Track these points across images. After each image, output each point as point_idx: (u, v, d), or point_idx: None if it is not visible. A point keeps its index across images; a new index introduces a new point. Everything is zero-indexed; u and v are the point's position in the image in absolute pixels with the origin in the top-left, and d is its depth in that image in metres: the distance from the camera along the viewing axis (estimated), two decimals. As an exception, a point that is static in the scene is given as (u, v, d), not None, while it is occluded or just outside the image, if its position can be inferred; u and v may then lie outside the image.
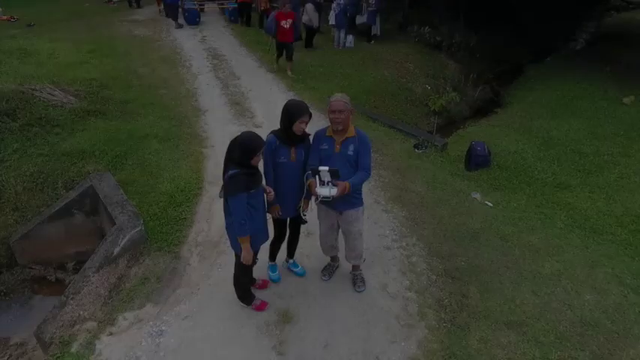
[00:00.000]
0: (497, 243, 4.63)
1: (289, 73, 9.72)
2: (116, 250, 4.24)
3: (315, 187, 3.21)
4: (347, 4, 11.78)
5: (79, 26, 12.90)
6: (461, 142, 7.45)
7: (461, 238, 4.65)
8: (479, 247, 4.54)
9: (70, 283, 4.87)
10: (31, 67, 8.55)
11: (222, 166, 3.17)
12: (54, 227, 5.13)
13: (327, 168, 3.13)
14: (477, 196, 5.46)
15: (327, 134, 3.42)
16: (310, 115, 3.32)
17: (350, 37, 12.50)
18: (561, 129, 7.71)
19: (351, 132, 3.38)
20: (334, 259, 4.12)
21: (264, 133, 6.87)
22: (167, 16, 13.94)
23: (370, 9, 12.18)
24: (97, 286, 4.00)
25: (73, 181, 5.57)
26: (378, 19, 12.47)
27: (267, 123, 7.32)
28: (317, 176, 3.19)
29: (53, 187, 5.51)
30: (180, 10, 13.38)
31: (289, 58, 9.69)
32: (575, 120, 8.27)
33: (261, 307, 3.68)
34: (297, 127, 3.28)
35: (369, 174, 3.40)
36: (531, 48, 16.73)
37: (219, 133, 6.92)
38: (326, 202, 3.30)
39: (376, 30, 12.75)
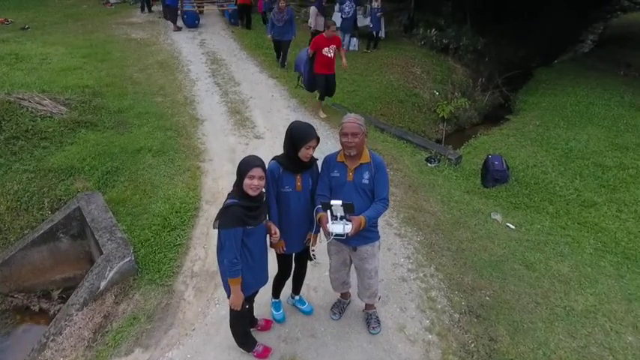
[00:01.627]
0: (524, 273, 4.21)
1: (321, 114, 7.77)
2: (103, 284, 3.83)
3: (327, 222, 2.79)
4: (355, 9, 11.39)
5: (74, 29, 12.50)
6: (474, 153, 7.04)
7: (483, 267, 4.23)
8: (504, 277, 4.11)
9: (54, 315, 4.51)
10: (21, 74, 8.16)
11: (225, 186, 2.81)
12: (38, 252, 4.71)
13: (340, 202, 2.71)
14: (498, 217, 5.04)
15: (338, 160, 3.00)
16: (318, 139, 2.90)
17: (354, 41, 12.10)
18: (580, 139, 7.28)
19: (366, 157, 2.96)
20: (345, 295, 3.69)
21: (265, 145, 6.61)
22: (166, 18, 13.54)
23: (375, 12, 11.74)
24: (80, 327, 3.59)
25: (60, 200, 5.15)
26: (382, 22, 12.03)
27: (268, 134, 6.91)
28: (328, 210, 2.77)
29: (39, 206, 5.09)
30: (179, 12, 12.96)
31: (330, 93, 7.77)
32: (593, 129, 7.85)
33: (264, 353, 3.26)
34: (303, 154, 2.87)
35: (387, 205, 2.98)
36: (539, 50, 16.33)
37: (218, 145, 6.50)
38: (338, 238, 2.88)
39: (381, 33, 12.32)
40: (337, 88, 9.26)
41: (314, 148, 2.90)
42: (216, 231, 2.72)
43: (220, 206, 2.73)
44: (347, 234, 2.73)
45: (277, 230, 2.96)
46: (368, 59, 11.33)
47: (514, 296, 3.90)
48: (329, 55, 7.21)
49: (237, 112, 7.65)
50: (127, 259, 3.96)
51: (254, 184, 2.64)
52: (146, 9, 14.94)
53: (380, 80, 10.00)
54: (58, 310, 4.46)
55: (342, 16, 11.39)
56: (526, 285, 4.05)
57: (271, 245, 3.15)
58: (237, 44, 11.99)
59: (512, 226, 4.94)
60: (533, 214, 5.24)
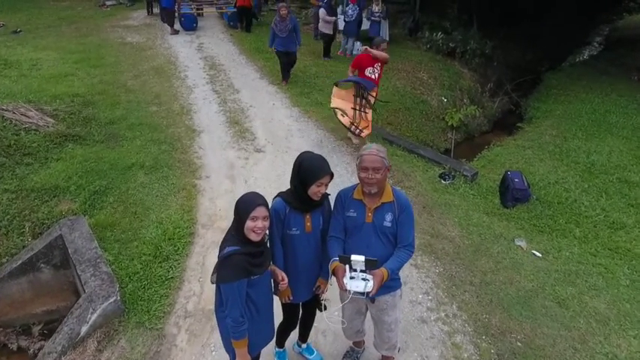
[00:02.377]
0: (557, 311, 3.76)
1: (354, 139, 6.58)
2: (84, 329, 3.38)
3: (343, 276, 2.34)
4: (360, 13, 10.94)
5: (68, 33, 12.07)
6: (490, 167, 6.59)
7: (511, 305, 3.78)
8: (535, 317, 3.67)
9: (34, 354, 4.07)
10: (8, 82, 7.73)
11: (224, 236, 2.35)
12: (17, 284, 4.26)
13: (362, 258, 2.26)
14: (522, 243, 4.60)
15: (354, 197, 2.55)
16: (331, 176, 2.46)
17: (358, 44, 11.65)
18: (602, 152, 6.85)
19: (388, 195, 2.51)
20: (359, 343, 3.25)
21: (266, 160, 6.16)
22: (163, 21, 13.11)
23: (374, 18, 11.29)
24: (57, 381, 3.14)
25: (43, 224, 4.70)
26: (385, 26, 11.56)
27: (270, 147, 6.47)
28: (347, 264, 2.32)
29: (19, 231, 4.64)
30: (176, 14, 12.52)
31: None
32: (613, 139, 7.41)
33: (268, 418, 2.82)
34: (313, 192, 2.43)
35: (413, 252, 2.53)
36: (546, 54, 15.92)
37: (216, 159, 6.06)
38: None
39: (384, 36, 11.86)
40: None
41: (327, 185, 2.46)
42: (213, 261, 2.30)
43: (217, 231, 2.33)
44: (367, 293, 2.29)
45: (285, 276, 2.52)
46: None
47: (548, 341, 3.45)
48: (373, 77, 6.21)
49: (236, 122, 7.21)
50: (112, 299, 3.51)
51: (258, 226, 2.21)
52: (152, 10, 14.49)
53: (386, 86, 9.53)
54: (39, 349, 4.03)
55: (345, 20, 10.97)
56: (560, 326, 3.61)
57: (276, 293, 2.72)
58: (237, 48, 11.57)
59: (539, 254, 4.50)
60: (559, 239, 4.80)
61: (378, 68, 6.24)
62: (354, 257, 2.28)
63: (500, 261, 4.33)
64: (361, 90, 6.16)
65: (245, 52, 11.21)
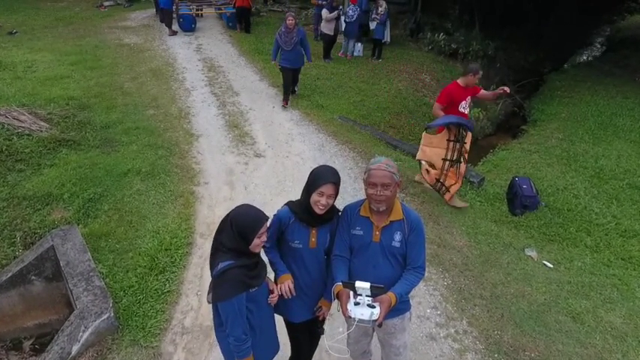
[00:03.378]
0: (571, 326, 3.60)
1: (459, 203, 5.18)
2: (75, 349, 3.21)
3: (347, 302, 2.16)
4: (361, 14, 10.76)
5: (65, 34, 11.89)
6: (496, 173, 6.43)
7: (523, 320, 3.62)
8: (549, 333, 3.50)
9: (24, 371, 3.92)
10: (2, 85, 7.57)
11: (211, 251, 2.18)
12: (7, 297, 4.09)
13: (368, 285, 2.08)
14: (533, 253, 4.43)
15: (361, 213, 2.37)
16: (335, 187, 2.29)
17: (359, 46, 11.51)
18: (610, 156, 6.68)
19: (398, 213, 2.33)
20: (365, 363, 3.08)
21: (267, 165, 5.97)
22: (161, 21, 12.94)
23: (375, 17, 11.11)
24: (45, 405, 2.97)
25: (35, 233, 4.52)
26: (387, 27, 11.37)
27: (270, 151, 6.30)
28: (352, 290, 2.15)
29: (10, 241, 4.47)
30: (174, 15, 12.34)
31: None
32: (621, 143, 7.25)
33: None
34: (313, 201, 2.27)
35: (423, 275, 2.36)
36: (548, 55, 15.78)
37: (215, 165, 5.88)
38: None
39: (386, 37, 11.70)
40: (342, 99, 8.73)
41: (329, 197, 2.27)
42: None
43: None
44: (373, 321, 2.11)
45: (275, 288, 2.36)
46: (374, 65, 10.74)
47: (564, 359, 3.29)
48: (465, 112, 5.05)
49: (235, 126, 7.04)
50: (105, 316, 3.33)
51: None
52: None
53: (388, 89, 9.39)
54: (30, 365, 3.88)
55: (345, 20, 10.79)
56: (575, 343, 3.44)
57: (276, 311, 2.57)
58: (236, 49, 11.39)
59: (550, 265, 4.33)
60: (570, 248, 4.64)
61: (469, 101, 5.07)
62: (358, 284, 2.10)
63: (511, 272, 4.16)
64: (463, 133, 4.90)
65: (244, 54, 11.03)
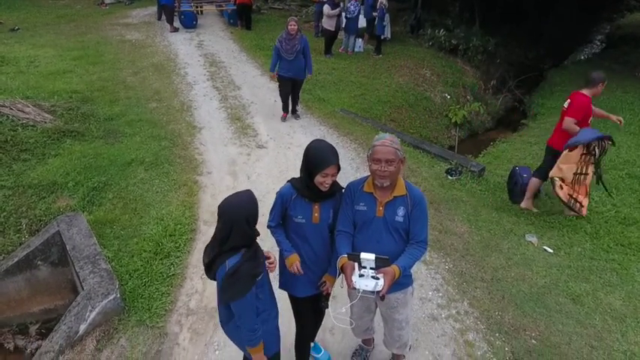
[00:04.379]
0: (571, 308, 3.64)
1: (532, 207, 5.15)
2: (82, 328, 3.25)
3: (352, 274, 2.21)
4: (366, 9, 10.82)
5: (66, 31, 11.94)
6: (496, 164, 6.48)
7: (524, 301, 3.66)
8: (549, 314, 3.55)
9: (31, 354, 3.96)
10: (5, 79, 7.61)
11: (207, 256, 2.15)
12: (13, 282, 4.13)
13: (373, 257, 2.13)
14: (533, 239, 4.47)
15: (365, 190, 2.42)
16: (338, 167, 2.34)
17: (359, 42, 11.57)
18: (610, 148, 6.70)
19: (401, 189, 2.37)
20: (368, 341, 3.13)
21: (269, 156, 6.02)
22: (159, 19, 13.01)
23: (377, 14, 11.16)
24: (54, 382, 3.01)
25: (40, 220, 4.57)
26: (388, 24, 11.41)
27: (272, 143, 6.35)
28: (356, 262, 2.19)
29: (16, 228, 4.51)
30: (175, 12, 12.40)
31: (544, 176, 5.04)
32: (621, 135, 7.28)
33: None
34: (318, 182, 2.32)
35: (426, 249, 2.40)
36: (549, 51, 15.84)
37: (218, 155, 5.94)
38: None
39: (387, 34, 11.75)
40: (343, 93, 8.79)
41: (333, 176, 2.33)
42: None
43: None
44: (378, 292, 2.16)
45: (273, 255, 2.38)
46: (374, 61, 10.79)
47: (564, 338, 3.33)
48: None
49: (237, 118, 7.09)
50: (112, 297, 3.38)
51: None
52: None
53: (388, 83, 9.45)
54: (36, 349, 3.91)
55: (346, 16, 10.85)
56: (575, 323, 3.48)
57: (280, 286, 2.62)
58: (237, 45, 11.46)
59: (550, 250, 4.38)
60: (570, 235, 4.68)
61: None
62: (363, 255, 2.15)
63: (511, 257, 4.21)
64: (605, 144, 4.67)
65: (246, 50, 11.09)
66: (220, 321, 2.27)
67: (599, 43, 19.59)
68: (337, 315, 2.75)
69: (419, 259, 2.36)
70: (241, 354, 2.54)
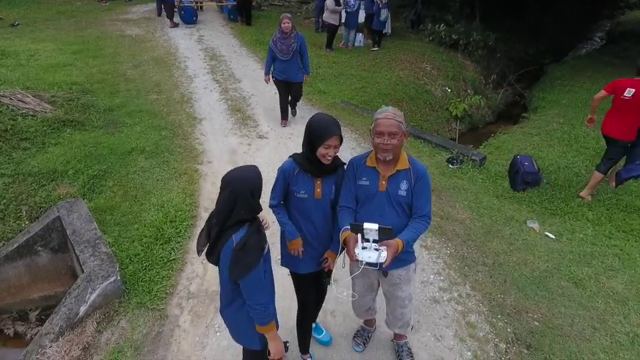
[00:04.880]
0: (573, 291, 3.63)
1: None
2: (82, 309, 3.24)
3: (354, 247, 2.19)
4: (366, 3, 10.80)
5: (66, 26, 11.92)
6: (497, 154, 6.47)
7: (526, 285, 3.65)
8: (551, 297, 3.53)
9: (31, 339, 3.93)
10: (5, 71, 7.58)
11: (209, 238, 2.07)
12: (13, 268, 4.11)
13: (376, 227, 2.11)
14: (535, 225, 4.46)
15: (367, 164, 2.40)
16: (340, 139, 2.32)
17: (360, 36, 11.56)
18: (611, 138, 6.69)
19: (404, 162, 2.36)
20: (370, 322, 3.11)
21: (269, 146, 6.00)
22: (158, 15, 13.00)
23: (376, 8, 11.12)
24: (54, 362, 3.00)
25: (40, 207, 4.56)
26: (388, 19, 11.38)
27: (272, 133, 6.34)
28: (359, 233, 2.17)
29: (16, 215, 4.50)
30: (175, 8, 12.39)
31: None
32: (622, 127, 7.27)
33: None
34: (321, 154, 2.29)
35: (429, 223, 2.38)
36: (549, 47, 15.82)
37: (218, 145, 5.92)
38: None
39: (387, 29, 11.74)
40: (343, 85, 8.77)
41: (335, 148, 2.31)
42: None
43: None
44: (381, 264, 2.14)
45: (266, 219, 2.31)
46: (374, 55, 10.77)
47: (567, 320, 3.32)
48: None
49: (238, 110, 7.08)
50: (112, 279, 3.37)
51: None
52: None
53: (389, 77, 9.43)
54: (36, 335, 3.90)
55: (346, 10, 10.84)
56: (578, 306, 3.47)
57: (282, 264, 2.61)
58: (237, 40, 11.44)
59: (552, 236, 4.36)
60: (572, 222, 4.67)
61: None
62: (366, 225, 2.13)
63: (513, 242, 4.19)
64: None
65: (246, 44, 11.08)
66: (220, 305, 2.20)
67: (599, 40, 19.57)
68: (339, 290, 2.73)
69: (422, 233, 2.34)
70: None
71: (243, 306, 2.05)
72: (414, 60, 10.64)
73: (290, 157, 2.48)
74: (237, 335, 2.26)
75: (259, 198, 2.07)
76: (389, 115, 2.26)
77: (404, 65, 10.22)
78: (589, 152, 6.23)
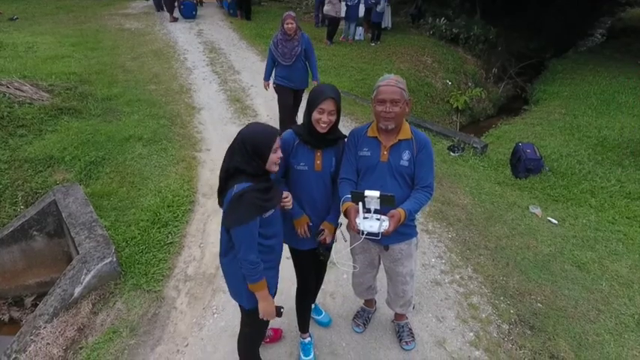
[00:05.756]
0: (577, 274, 3.57)
1: None
2: (77, 290, 3.18)
3: (356, 217, 2.13)
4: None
5: (65, 20, 11.89)
6: (498, 143, 6.41)
7: (529, 268, 3.59)
8: (554, 280, 3.48)
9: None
10: (3, 61, 7.53)
11: (219, 180, 2.08)
12: (8, 253, 4.06)
13: (377, 194, 2.04)
14: (537, 210, 4.40)
15: (369, 134, 2.34)
16: (336, 103, 2.19)
17: (360, 30, 11.50)
18: (613, 128, 6.66)
19: (406, 132, 2.29)
20: (370, 303, 3.05)
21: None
22: (158, 10, 12.94)
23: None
24: (48, 343, 2.94)
25: (36, 193, 4.51)
26: (388, 13, 11.32)
27: (272, 122, 6.23)
28: (360, 202, 2.11)
29: (12, 201, 4.46)
30: (175, 2, 12.34)
31: None
32: (624, 117, 7.24)
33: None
34: (315, 118, 2.21)
35: (432, 194, 2.32)
36: (550, 43, 15.77)
37: (217, 134, 5.87)
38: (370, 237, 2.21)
39: (387, 23, 11.69)
40: (343, 77, 8.72)
41: (330, 114, 2.20)
42: (214, 228, 2.07)
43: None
44: (382, 233, 2.08)
45: (289, 194, 2.25)
46: (375, 48, 10.72)
47: (570, 302, 3.26)
48: None
49: (237, 100, 7.03)
50: (108, 260, 3.31)
51: (279, 156, 2.07)
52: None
53: (389, 69, 9.37)
54: (30, 316, 3.84)
55: (347, 4, 10.78)
56: (582, 289, 3.41)
57: (286, 241, 2.52)
58: (237, 34, 11.39)
59: (555, 221, 4.31)
60: (575, 208, 4.61)
61: None
62: (367, 193, 2.06)
63: (515, 227, 4.14)
64: None
65: (245, 38, 11.03)
66: (219, 253, 2.18)
67: (600, 37, 19.51)
68: (341, 261, 2.65)
69: (425, 204, 2.28)
70: (239, 316, 2.42)
71: (236, 258, 2.03)
72: (415, 53, 10.59)
73: (290, 128, 2.41)
74: (230, 288, 2.25)
75: (261, 154, 1.98)
76: (391, 81, 2.20)
77: (404, 58, 10.17)
78: (591, 141, 6.18)
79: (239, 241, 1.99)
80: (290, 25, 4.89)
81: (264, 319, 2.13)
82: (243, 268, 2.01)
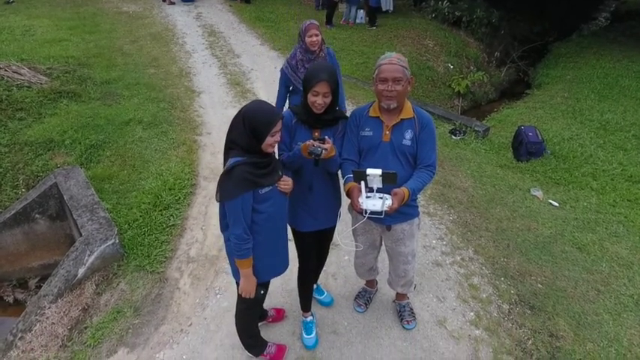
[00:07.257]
0: (577, 255, 3.59)
1: None
2: (81, 271, 3.21)
3: (359, 196, 2.13)
4: None
5: (62, 3, 11.68)
6: (500, 127, 6.38)
7: (529, 249, 3.60)
8: (555, 261, 3.49)
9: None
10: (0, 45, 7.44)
11: (223, 157, 2.11)
12: (11, 236, 4.08)
13: (379, 172, 2.04)
14: (538, 193, 4.40)
15: (370, 114, 2.32)
16: (330, 85, 2.13)
17: (361, 13, 11.33)
18: (616, 111, 6.61)
19: (408, 111, 2.28)
20: (371, 283, 3.08)
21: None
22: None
23: None
24: (53, 322, 2.97)
25: (37, 176, 4.51)
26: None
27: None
28: (362, 181, 2.11)
29: (13, 184, 4.47)
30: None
31: None
32: (627, 101, 7.18)
33: (278, 355, 2.64)
34: (310, 101, 2.19)
35: (434, 173, 2.31)
36: (553, 26, 15.54)
37: (217, 117, 5.84)
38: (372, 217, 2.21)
39: (388, 6, 11.51)
40: (345, 61, 8.61)
41: (324, 95, 2.15)
42: (216, 210, 2.08)
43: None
44: (386, 211, 2.07)
45: (288, 179, 2.19)
46: (376, 32, 10.57)
47: (570, 283, 3.28)
48: None
49: (237, 83, 6.97)
50: (111, 242, 3.33)
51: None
52: None
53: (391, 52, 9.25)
54: (35, 297, 3.89)
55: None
56: (582, 270, 3.43)
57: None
58: (236, 18, 11.24)
59: (556, 204, 4.31)
60: (576, 191, 4.61)
61: None
62: (369, 171, 2.05)
63: (516, 209, 4.14)
64: None
65: (245, 22, 10.88)
66: (220, 224, 2.18)
67: (604, 20, 19.21)
68: (344, 240, 2.66)
69: (428, 183, 2.28)
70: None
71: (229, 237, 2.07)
72: (416, 36, 10.44)
73: (288, 107, 2.39)
74: (230, 264, 2.28)
75: (258, 134, 1.97)
76: (393, 60, 2.17)
77: (406, 42, 10.04)
78: (593, 124, 6.15)
79: (229, 214, 2.01)
80: (315, 39, 3.56)
81: (242, 295, 2.18)
82: (230, 241, 2.04)
